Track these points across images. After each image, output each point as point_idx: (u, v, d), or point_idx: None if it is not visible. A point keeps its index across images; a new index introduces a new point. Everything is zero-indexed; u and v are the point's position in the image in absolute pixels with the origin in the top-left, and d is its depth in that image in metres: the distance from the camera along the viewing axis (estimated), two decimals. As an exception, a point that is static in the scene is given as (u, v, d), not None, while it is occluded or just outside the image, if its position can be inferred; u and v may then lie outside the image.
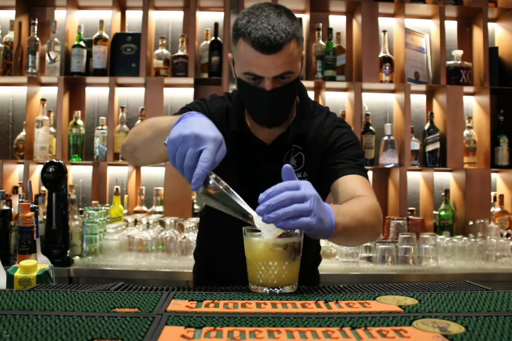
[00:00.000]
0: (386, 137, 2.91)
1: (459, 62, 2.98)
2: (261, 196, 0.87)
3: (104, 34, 2.90)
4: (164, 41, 2.98)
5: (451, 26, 3.15)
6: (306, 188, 0.89)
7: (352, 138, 1.36)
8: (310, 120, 1.36)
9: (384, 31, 3.00)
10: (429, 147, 2.94)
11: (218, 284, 1.03)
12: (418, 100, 3.12)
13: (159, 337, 0.60)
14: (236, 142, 1.33)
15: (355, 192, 1.20)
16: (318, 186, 1.04)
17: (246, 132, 1.34)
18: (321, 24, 2.98)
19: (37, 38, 2.88)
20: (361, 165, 1.30)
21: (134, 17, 3.10)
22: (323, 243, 2.52)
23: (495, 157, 3.00)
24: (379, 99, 3.13)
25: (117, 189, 2.71)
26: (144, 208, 2.83)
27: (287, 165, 0.93)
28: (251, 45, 1.15)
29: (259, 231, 0.93)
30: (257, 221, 0.90)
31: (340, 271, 2.26)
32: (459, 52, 3.00)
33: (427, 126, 2.98)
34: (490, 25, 3.10)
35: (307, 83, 2.92)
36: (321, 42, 2.94)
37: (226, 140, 1.10)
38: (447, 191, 2.90)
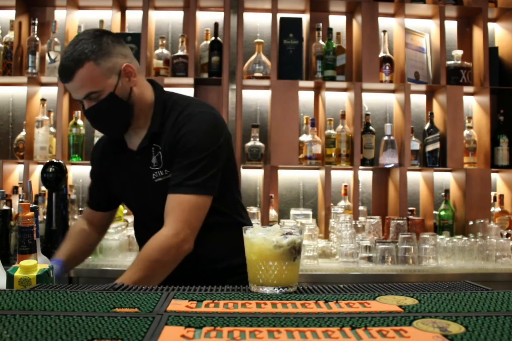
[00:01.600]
0: (386, 137, 2.91)
1: (459, 62, 2.98)
2: None
3: (104, 34, 2.90)
4: (164, 41, 2.98)
5: (451, 26, 3.15)
6: None
7: (195, 138, 1.34)
8: (166, 120, 1.41)
9: (384, 31, 3.00)
10: (429, 147, 2.94)
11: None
12: (418, 100, 3.12)
13: (159, 337, 0.60)
14: (118, 158, 1.50)
15: (166, 215, 1.31)
16: None
17: (120, 145, 1.49)
18: (321, 24, 2.98)
19: (37, 38, 2.88)
20: (190, 178, 1.30)
21: (134, 17, 3.10)
22: (323, 243, 2.52)
23: (495, 157, 3.00)
24: (379, 99, 3.13)
25: (117, 189, 2.71)
26: (144, 208, 2.82)
27: None
28: (60, 79, 1.38)
29: (259, 232, 0.93)
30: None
31: (340, 271, 2.26)
32: (459, 52, 3.00)
33: (427, 126, 2.98)
34: (490, 25, 3.10)
35: (307, 83, 2.93)
36: (321, 42, 2.94)
37: (113, 160, 1.50)
38: (447, 191, 2.90)
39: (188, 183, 1.30)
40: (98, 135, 2.89)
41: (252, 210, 2.71)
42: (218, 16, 3.04)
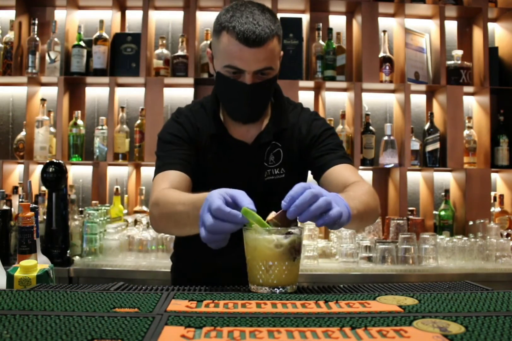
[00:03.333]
0: (386, 137, 2.91)
1: (459, 62, 2.98)
2: (286, 199, 0.91)
3: (104, 34, 2.90)
4: (164, 41, 2.98)
5: (451, 26, 3.15)
6: (316, 186, 0.94)
7: (330, 128, 1.40)
8: (287, 117, 1.39)
9: (384, 31, 3.00)
10: (429, 147, 2.94)
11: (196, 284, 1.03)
12: (418, 100, 3.12)
13: (159, 337, 0.60)
14: (217, 145, 1.35)
15: (348, 179, 1.24)
16: (296, 180, 1.10)
17: (224, 133, 1.35)
18: (321, 24, 2.98)
19: (37, 38, 2.88)
20: (345, 154, 1.36)
21: (134, 17, 3.10)
22: (323, 243, 2.52)
23: (495, 157, 3.00)
24: (379, 99, 3.13)
25: (117, 189, 2.71)
26: (144, 208, 2.83)
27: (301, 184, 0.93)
28: (235, 38, 1.18)
29: (258, 231, 0.93)
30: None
31: (340, 271, 2.26)
32: (459, 52, 3.00)
33: (427, 126, 2.98)
34: (490, 25, 3.10)
35: (307, 83, 2.93)
36: (321, 42, 2.94)
37: (206, 145, 1.27)
38: (447, 191, 2.90)
39: (347, 156, 1.36)
40: (98, 135, 2.89)
41: (252, 210, 2.71)
42: (218, 16, 3.03)
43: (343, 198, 0.99)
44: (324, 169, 1.30)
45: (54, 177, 2.09)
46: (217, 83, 1.34)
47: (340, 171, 1.29)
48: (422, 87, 3.02)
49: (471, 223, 2.76)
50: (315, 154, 1.34)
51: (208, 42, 2.96)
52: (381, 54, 2.97)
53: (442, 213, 2.87)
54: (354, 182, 1.22)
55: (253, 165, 1.34)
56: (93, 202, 2.76)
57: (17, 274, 0.96)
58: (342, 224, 0.95)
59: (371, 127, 2.95)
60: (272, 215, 0.95)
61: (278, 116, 1.37)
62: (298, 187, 0.91)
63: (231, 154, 1.35)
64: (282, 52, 1.31)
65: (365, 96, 3.02)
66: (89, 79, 2.92)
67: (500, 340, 0.59)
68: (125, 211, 2.78)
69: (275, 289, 0.91)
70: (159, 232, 1.32)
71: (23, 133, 2.89)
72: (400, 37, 3.00)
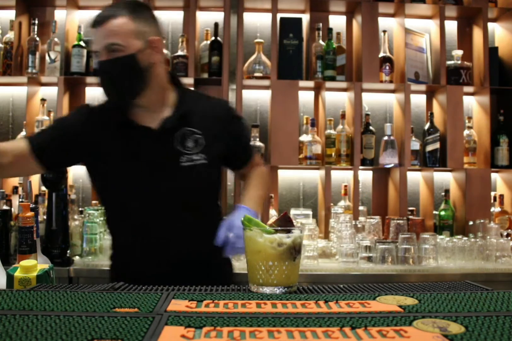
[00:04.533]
0: (386, 137, 2.91)
1: (459, 62, 2.98)
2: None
3: (104, 34, 2.90)
4: (164, 41, 2.98)
5: (451, 26, 3.15)
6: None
7: (245, 123, 1.64)
8: (194, 102, 1.47)
9: (384, 31, 3.00)
10: (429, 147, 2.94)
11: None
12: (418, 100, 3.12)
13: (159, 337, 0.60)
14: (124, 133, 1.42)
15: (250, 167, 1.61)
16: (216, 166, 1.46)
17: (129, 121, 1.42)
18: (321, 24, 2.98)
19: (37, 38, 2.88)
20: (254, 147, 1.68)
21: (134, 17, 3.09)
22: (323, 243, 2.52)
23: (495, 157, 3.00)
24: (379, 99, 3.13)
25: (117, 189, 2.71)
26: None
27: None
28: (90, 26, 1.36)
29: (259, 231, 0.93)
30: None
31: (340, 271, 2.26)
32: (459, 52, 3.00)
33: (427, 126, 2.98)
34: (490, 25, 3.10)
35: (307, 83, 2.93)
36: (321, 42, 2.94)
37: (114, 134, 1.37)
38: (447, 191, 2.90)
39: (254, 149, 1.69)
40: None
41: (252, 210, 2.71)
42: (218, 16, 3.04)
43: (250, 206, 1.40)
44: (240, 166, 1.60)
45: (54, 177, 2.09)
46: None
47: (248, 167, 1.61)
48: (422, 87, 3.02)
49: (471, 223, 2.76)
50: (234, 149, 1.52)
51: (208, 42, 2.96)
52: (381, 54, 2.97)
53: (442, 213, 2.87)
54: (254, 167, 1.60)
55: (163, 150, 1.40)
56: (93, 202, 2.76)
57: (17, 274, 0.96)
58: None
59: (371, 127, 2.95)
60: (272, 220, 0.96)
61: (181, 102, 1.46)
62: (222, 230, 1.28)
63: (139, 140, 1.41)
64: (157, 38, 1.41)
65: (365, 96, 3.02)
66: (89, 79, 2.92)
67: (500, 340, 0.59)
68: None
69: (275, 289, 0.91)
70: None
71: (23, 133, 2.89)
72: (400, 37, 3.00)
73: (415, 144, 2.93)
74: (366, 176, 3.07)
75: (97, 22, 1.34)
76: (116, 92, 1.40)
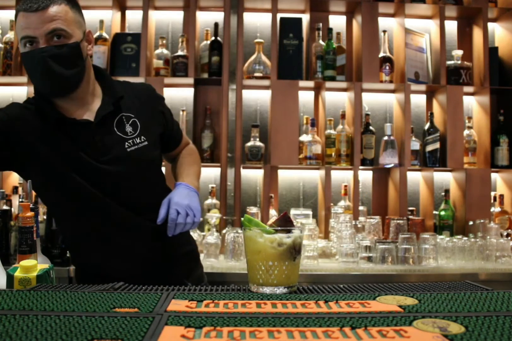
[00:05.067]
0: (386, 137, 2.91)
1: (459, 62, 2.98)
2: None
3: (104, 34, 2.90)
4: (164, 41, 2.98)
5: (451, 26, 3.15)
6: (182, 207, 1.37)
7: (170, 111, 1.64)
8: (120, 88, 1.46)
9: (384, 31, 3.00)
10: (429, 147, 2.94)
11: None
12: (418, 100, 3.12)
13: (159, 337, 0.60)
14: (65, 130, 1.35)
15: (181, 147, 1.66)
16: (156, 145, 1.47)
17: (64, 118, 1.36)
18: (321, 24, 2.98)
19: (37, 38, 2.88)
20: (180, 129, 1.66)
21: (134, 17, 3.10)
22: (323, 243, 2.52)
23: (495, 157, 3.00)
24: (379, 99, 3.13)
25: (117, 189, 2.71)
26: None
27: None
28: (22, 11, 1.29)
29: (259, 231, 0.93)
30: None
31: (340, 271, 2.26)
32: (459, 52, 3.00)
33: (427, 126, 2.98)
34: (490, 25, 3.10)
35: (307, 83, 2.93)
36: (321, 42, 2.94)
37: (49, 133, 1.32)
38: (447, 191, 2.90)
39: (181, 132, 1.68)
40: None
41: (252, 210, 2.72)
42: (218, 16, 3.04)
43: (189, 183, 1.46)
44: (172, 148, 1.63)
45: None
46: (24, 64, 1.33)
47: (181, 147, 1.66)
48: (422, 87, 3.02)
49: (471, 223, 2.76)
50: (165, 133, 1.54)
51: (208, 42, 2.96)
52: (381, 54, 2.97)
53: (442, 213, 2.87)
54: (185, 147, 1.67)
55: (107, 140, 1.37)
56: (93, 202, 2.75)
57: (17, 274, 0.96)
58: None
59: (371, 127, 2.95)
60: (272, 220, 0.96)
61: (109, 89, 1.43)
62: (172, 211, 1.35)
63: (79, 135, 1.36)
64: (88, 30, 1.37)
65: (365, 96, 3.02)
66: (89, 79, 2.92)
67: (500, 340, 0.59)
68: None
69: (275, 289, 0.91)
70: None
71: (23, 133, 2.89)
72: (400, 37, 3.00)
73: (415, 144, 2.93)
74: (366, 176, 3.07)
75: (35, 7, 1.25)
76: (59, 82, 1.28)
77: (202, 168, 1.69)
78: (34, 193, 1.60)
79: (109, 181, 1.37)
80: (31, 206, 1.08)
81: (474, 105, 3.11)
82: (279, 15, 2.97)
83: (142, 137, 1.42)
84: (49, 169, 1.34)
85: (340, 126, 2.91)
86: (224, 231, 2.57)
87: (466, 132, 2.97)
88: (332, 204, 2.83)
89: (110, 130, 1.38)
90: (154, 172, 1.51)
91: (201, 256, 2.08)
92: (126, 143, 1.39)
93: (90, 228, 1.40)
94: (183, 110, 2.93)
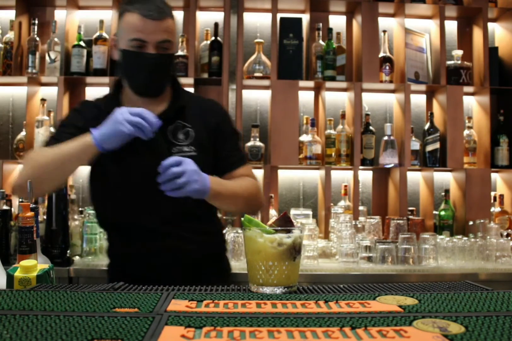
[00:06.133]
0: (386, 137, 2.91)
1: (459, 62, 2.98)
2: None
3: (104, 34, 2.90)
4: (164, 41, 2.98)
5: (451, 26, 3.15)
6: (186, 164, 1.24)
7: (235, 127, 1.63)
8: (188, 98, 1.54)
9: (384, 31, 3.00)
10: (429, 147, 2.94)
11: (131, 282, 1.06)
12: (418, 100, 3.12)
13: (159, 337, 0.60)
14: None
15: (243, 176, 1.52)
16: (206, 159, 1.44)
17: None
18: (321, 24, 2.98)
19: (37, 38, 2.88)
20: (245, 155, 1.62)
21: (134, 17, 3.09)
22: (323, 243, 2.52)
23: (495, 157, 3.00)
24: (379, 99, 3.13)
25: (117, 189, 2.71)
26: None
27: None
28: (138, 13, 1.36)
29: (259, 231, 0.93)
30: None
31: (340, 271, 2.26)
32: (459, 52, 3.00)
33: (427, 126, 2.98)
34: (490, 25, 3.10)
35: (307, 83, 2.93)
36: (321, 42, 2.94)
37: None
38: (447, 191, 2.90)
39: (246, 157, 1.63)
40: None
41: (252, 209, 2.71)
42: (218, 16, 3.04)
43: (211, 180, 1.30)
44: (228, 170, 1.52)
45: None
46: (123, 60, 1.44)
47: (240, 173, 1.52)
48: (422, 87, 3.02)
49: (471, 223, 2.76)
50: (222, 152, 1.52)
51: (208, 42, 2.96)
52: (381, 54, 2.97)
53: (442, 213, 2.87)
54: (244, 177, 1.51)
55: (156, 141, 1.41)
56: (93, 202, 2.75)
57: (17, 274, 0.96)
58: (198, 196, 1.27)
59: (371, 127, 2.95)
60: (272, 220, 0.96)
61: (177, 97, 1.53)
62: (171, 161, 1.23)
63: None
64: (182, 38, 1.54)
65: (365, 96, 3.02)
66: (89, 79, 2.92)
67: (500, 340, 0.59)
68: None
69: (275, 289, 0.91)
70: (22, 190, 1.37)
71: (23, 133, 2.89)
72: (400, 37, 3.01)
73: (415, 144, 2.93)
74: (366, 176, 3.07)
75: (156, 16, 1.36)
76: (155, 86, 1.46)
77: None
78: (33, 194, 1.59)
79: (150, 179, 1.37)
80: (31, 206, 1.08)
81: (474, 105, 3.11)
82: (279, 15, 2.97)
83: (192, 147, 1.46)
84: (106, 161, 1.44)
85: (340, 126, 2.91)
86: (224, 231, 2.56)
87: (466, 132, 2.97)
88: (332, 204, 2.83)
89: (162, 133, 1.44)
90: None
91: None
92: (174, 148, 1.45)
93: (132, 221, 1.46)
94: (183, 110, 2.93)
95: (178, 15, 3.10)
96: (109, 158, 1.41)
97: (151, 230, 1.44)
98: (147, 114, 1.27)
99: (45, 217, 2.19)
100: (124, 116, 1.26)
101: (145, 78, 1.43)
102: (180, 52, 2.93)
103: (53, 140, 1.45)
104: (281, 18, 2.98)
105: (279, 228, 0.93)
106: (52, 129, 2.90)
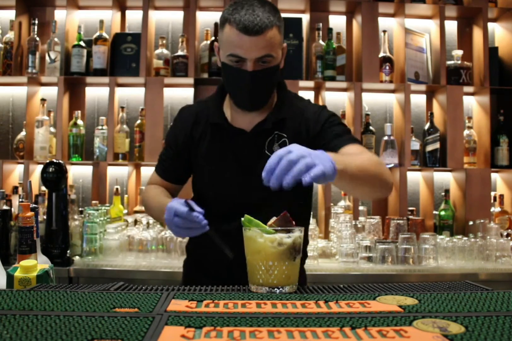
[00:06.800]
0: (386, 137, 2.91)
1: (459, 62, 2.98)
2: (264, 171, 0.96)
3: (104, 34, 2.90)
4: (164, 41, 2.98)
5: (451, 26, 3.15)
6: (295, 148, 0.98)
7: (338, 118, 1.45)
8: (289, 108, 1.44)
9: (384, 31, 3.00)
10: (429, 147, 2.94)
11: (208, 280, 1.06)
12: (418, 100, 3.12)
13: (159, 337, 0.60)
14: (217, 133, 1.43)
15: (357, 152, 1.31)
16: None
17: (224, 122, 1.42)
18: (321, 24, 2.98)
19: (37, 38, 2.88)
20: (353, 137, 1.40)
21: (134, 17, 3.10)
22: (323, 243, 2.52)
23: (495, 157, 3.00)
24: (379, 99, 3.13)
25: (117, 188, 2.71)
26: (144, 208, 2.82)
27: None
28: (235, 28, 1.27)
29: (259, 231, 0.93)
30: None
31: (340, 271, 2.26)
32: (459, 52, 3.00)
33: (427, 126, 2.98)
34: (490, 25, 3.10)
35: (307, 83, 2.93)
36: (321, 42, 2.94)
37: (207, 133, 1.42)
38: (447, 191, 2.90)
39: (355, 138, 1.39)
40: (98, 135, 2.89)
41: (252, 210, 2.71)
42: (218, 16, 3.02)
43: (330, 155, 1.01)
44: (333, 151, 1.30)
45: (54, 177, 2.09)
46: (223, 73, 1.39)
47: (346, 150, 1.31)
48: (422, 87, 3.02)
49: (471, 223, 2.76)
50: (322, 141, 1.37)
51: (208, 42, 2.96)
52: (381, 54, 2.97)
53: (442, 213, 2.87)
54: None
55: (251, 153, 1.39)
56: (93, 202, 2.76)
57: (17, 274, 0.96)
58: (329, 178, 0.97)
59: (371, 127, 2.95)
60: (272, 220, 0.96)
61: (279, 107, 1.43)
62: (273, 157, 0.96)
63: (229, 142, 1.41)
64: (285, 44, 1.39)
65: (365, 96, 3.02)
66: (89, 79, 2.92)
67: (500, 340, 0.59)
68: (125, 211, 2.78)
69: (275, 289, 0.91)
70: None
71: (23, 133, 2.89)
72: (400, 37, 3.00)
73: (415, 144, 2.93)
74: (366, 176, 3.06)
75: (254, 30, 1.26)
76: (255, 101, 1.38)
77: None
78: (33, 193, 1.61)
79: (245, 193, 1.39)
80: (31, 206, 1.08)
81: (474, 105, 3.11)
82: (279, 15, 2.97)
83: None
84: (201, 166, 1.45)
85: (340, 126, 2.90)
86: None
87: (466, 132, 2.97)
88: (332, 204, 2.82)
89: (259, 145, 1.40)
90: (292, 197, 1.29)
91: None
92: None
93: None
94: (183, 110, 2.93)
95: (178, 15, 3.11)
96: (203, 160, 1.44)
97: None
98: (192, 216, 1.14)
99: (45, 217, 2.19)
100: (174, 223, 1.19)
101: (243, 95, 1.36)
102: (180, 52, 2.93)
103: (161, 166, 1.54)
104: (281, 18, 2.98)
105: (279, 228, 0.93)
106: (52, 129, 2.90)
